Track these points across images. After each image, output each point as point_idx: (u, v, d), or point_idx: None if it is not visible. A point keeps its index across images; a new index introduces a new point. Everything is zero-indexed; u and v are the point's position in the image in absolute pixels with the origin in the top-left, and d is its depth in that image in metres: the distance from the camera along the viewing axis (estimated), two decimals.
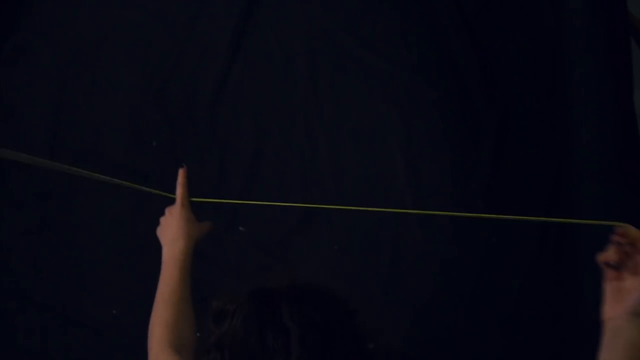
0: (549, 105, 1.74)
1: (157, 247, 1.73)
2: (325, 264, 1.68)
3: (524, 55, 1.79)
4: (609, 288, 0.87)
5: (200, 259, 1.65)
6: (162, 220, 1.29)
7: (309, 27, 1.84)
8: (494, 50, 1.79)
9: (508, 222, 1.66)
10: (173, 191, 1.27)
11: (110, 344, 1.65)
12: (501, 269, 1.65)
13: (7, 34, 1.87)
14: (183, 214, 1.26)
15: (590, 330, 1.54)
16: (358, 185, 1.73)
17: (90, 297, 1.68)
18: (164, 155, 1.78)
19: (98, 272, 1.70)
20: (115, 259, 1.71)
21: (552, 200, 1.68)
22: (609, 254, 0.87)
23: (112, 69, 1.84)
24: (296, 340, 0.73)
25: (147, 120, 1.81)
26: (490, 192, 1.69)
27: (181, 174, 1.29)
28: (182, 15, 1.88)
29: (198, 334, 1.17)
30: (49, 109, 1.82)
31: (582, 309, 1.56)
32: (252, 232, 1.69)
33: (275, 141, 1.77)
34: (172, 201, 1.31)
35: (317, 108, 1.78)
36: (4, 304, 1.69)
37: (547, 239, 1.66)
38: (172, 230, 1.24)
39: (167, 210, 1.29)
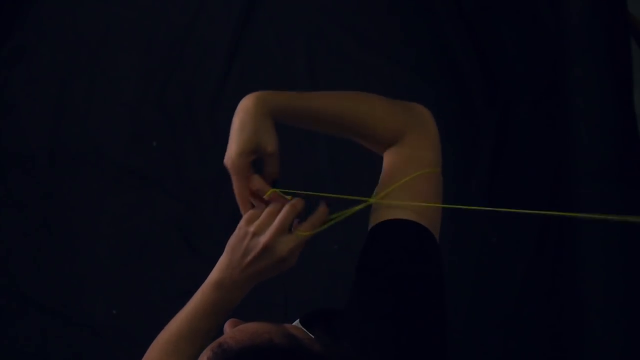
0: (549, 105, 1.74)
1: (156, 248, 1.74)
2: (325, 264, 1.68)
3: (524, 55, 1.79)
4: None
5: (200, 259, 1.66)
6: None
7: (309, 27, 1.85)
8: (494, 50, 1.79)
9: (508, 222, 1.68)
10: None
11: (110, 344, 1.65)
12: (501, 269, 1.64)
13: (7, 34, 1.87)
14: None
15: (590, 329, 1.55)
16: (358, 185, 1.72)
17: (90, 297, 1.69)
18: (164, 155, 1.78)
19: (98, 272, 1.70)
20: (115, 259, 1.71)
21: (552, 199, 1.68)
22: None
23: (112, 69, 1.85)
24: None
25: (147, 121, 1.81)
26: (490, 192, 1.69)
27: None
28: (182, 15, 1.88)
29: None
30: (49, 109, 1.82)
31: (582, 309, 1.56)
32: None
33: None
34: None
35: None
36: (4, 304, 1.69)
37: (547, 239, 1.66)
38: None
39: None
